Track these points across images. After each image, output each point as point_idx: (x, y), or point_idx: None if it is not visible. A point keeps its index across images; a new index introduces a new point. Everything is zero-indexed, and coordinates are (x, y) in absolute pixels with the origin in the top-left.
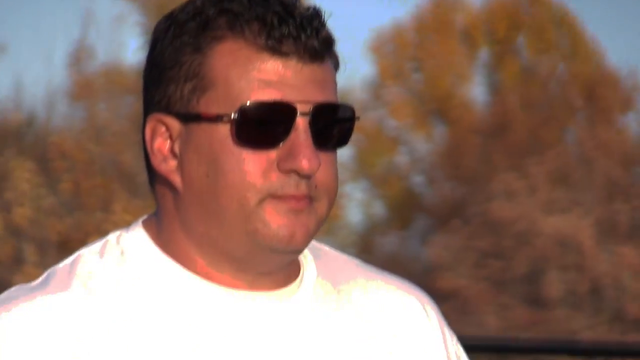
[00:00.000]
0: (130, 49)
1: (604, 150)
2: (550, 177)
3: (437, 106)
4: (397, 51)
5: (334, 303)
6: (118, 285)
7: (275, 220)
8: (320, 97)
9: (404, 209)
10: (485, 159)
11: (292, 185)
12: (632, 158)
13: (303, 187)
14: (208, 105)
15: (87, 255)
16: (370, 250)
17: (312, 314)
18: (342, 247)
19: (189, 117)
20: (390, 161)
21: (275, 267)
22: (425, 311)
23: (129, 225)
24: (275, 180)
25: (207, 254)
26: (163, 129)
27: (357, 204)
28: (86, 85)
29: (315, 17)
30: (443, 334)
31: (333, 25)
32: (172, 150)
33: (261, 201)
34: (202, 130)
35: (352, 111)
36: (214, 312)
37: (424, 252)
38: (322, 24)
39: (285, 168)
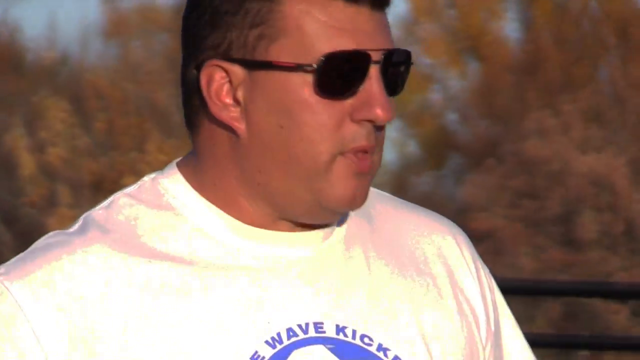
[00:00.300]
0: None
1: (637, 89)
2: (584, 115)
3: (471, 43)
4: None
5: (368, 241)
6: (159, 231)
7: (342, 184)
8: (388, 43)
9: (438, 148)
10: (519, 96)
11: (363, 136)
12: None
13: (373, 138)
14: (279, 53)
15: (124, 199)
16: (404, 190)
17: (347, 253)
18: (376, 187)
19: (257, 65)
20: (424, 99)
21: (323, 222)
22: (458, 244)
23: (163, 167)
24: (348, 131)
25: (258, 202)
26: (222, 74)
27: (390, 143)
28: (120, 22)
29: None
30: (476, 266)
31: None
32: (234, 97)
33: (333, 158)
34: (273, 78)
35: (410, 56)
36: (257, 254)
37: (458, 192)
38: None
39: (359, 118)
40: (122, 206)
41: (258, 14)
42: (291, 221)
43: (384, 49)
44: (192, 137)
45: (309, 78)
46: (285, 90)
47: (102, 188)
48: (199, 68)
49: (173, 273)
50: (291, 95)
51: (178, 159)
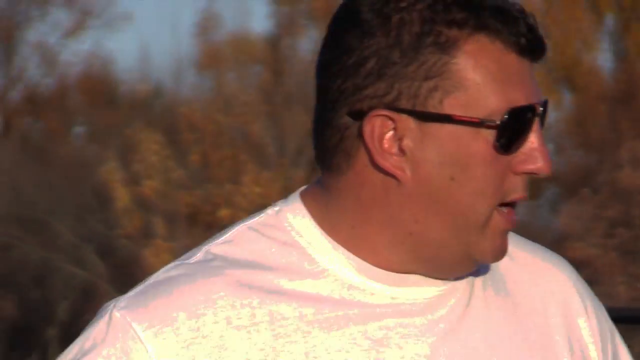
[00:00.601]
0: (258, 17)
1: None
2: None
3: (564, 73)
4: None
5: (501, 297)
6: (285, 270)
7: (496, 238)
8: (541, 94)
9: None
10: (613, 126)
11: (521, 188)
12: None
13: (527, 189)
14: (454, 107)
15: (248, 234)
16: None
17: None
18: None
19: (432, 117)
20: None
21: (463, 273)
22: (578, 293)
23: (258, 200)
24: (509, 184)
25: (399, 250)
26: (387, 123)
27: None
28: (213, 54)
29: (529, 13)
30: (597, 316)
31: None
32: (399, 147)
33: (492, 212)
34: (447, 131)
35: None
36: (390, 294)
37: (553, 222)
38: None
39: (522, 171)
40: (246, 241)
41: (433, 67)
42: (425, 270)
43: (541, 101)
44: (330, 177)
45: (488, 133)
46: (461, 143)
47: (197, 220)
48: (357, 115)
49: (297, 313)
50: (467, 149)
51: (302, 189)
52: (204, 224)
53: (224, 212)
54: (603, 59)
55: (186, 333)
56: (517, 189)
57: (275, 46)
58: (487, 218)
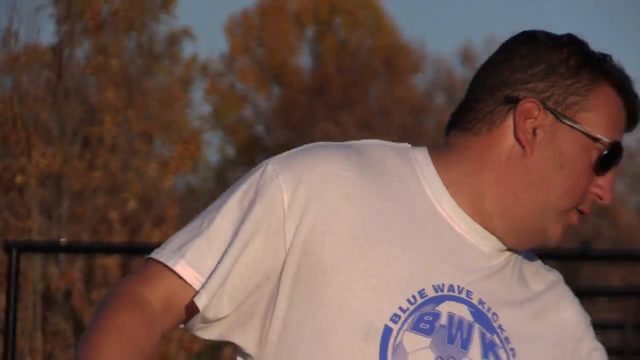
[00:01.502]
0: (46, 33)
1: (399, 105)
2: (358, 124)
3: (274, 72)
4: (245, 31)
5: (518, 265)
6: (398, 176)
7: (558, 230)
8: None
9: (250, 151)
10: (310, 111)
11: (590, 203)
12: (420, 109)
13: (591, 207)
14: (584, 120)
15: (383, 146)
16: (224, 182)
17: (507, 263)
18: (203, 180)
19: (567, 120)
20: (239, 114)
21: (524, 247)
22: (575, 306)
23: (45, 169)
24: (582, 197)
25: (492, 208)
26: (535, 112)
27: (214, 148)
28: (12, 61)
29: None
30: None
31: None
32: (533, 129)
33: (568, 210)
34: (572, 135)
35: None
36: (442, 220)
37: None
38: None
39: (595, 192)
40: (380, 149)
41: (582, 88)
42: (503, 229)
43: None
44: (463, 135)
45: (595, 151)
46: (576, 148)
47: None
48: (513, 99)
49: (395, 210)
50: (580, 153)
51: (429, 145)
52: (4, 188)
53: (19, 179)
54: (304, 61)
55: (311, 191)
56: (588, 203)
57: (58, 54)
58: (566, 211)
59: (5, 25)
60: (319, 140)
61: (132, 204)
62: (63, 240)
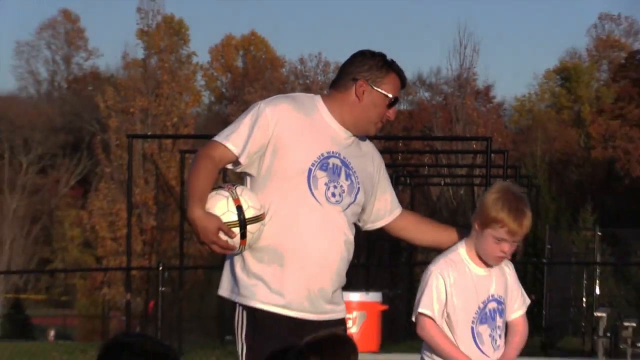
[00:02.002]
0: None
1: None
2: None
3: None
4: None
5: (356, 141)
6: (307, 108)
7: (373, 130)
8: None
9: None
10: None
11: (384, 118)
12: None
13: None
14: (383, 88)
15: (305, 95)
16: None
17: (353, 140)
18: None
19: (375, 87)
20: None
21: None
22: (376, 153)
23: None
24: (382, 116)
25: (346, 118)
26: (363, 84)
27: None
28: None
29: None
30: (381, 162)
31: None
32: (362, 92)
33: (377, 121)
34: (376, 94)
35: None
36: (326, 124)
37: None
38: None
39: (387, 114)
40: (303, 96)
41: (382, 74)
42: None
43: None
44: (336, 91)
45: (388, 99)
46: (380, 99)
47: None
48: (355, 79)
49: (309, 122)
50: (381, 101)
51: (321, 95)
52: None
53: None
54: None
55: (279, 116)
56: (384, 118)
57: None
58: (376, 122)
59: None
60: None
61: None
62: None
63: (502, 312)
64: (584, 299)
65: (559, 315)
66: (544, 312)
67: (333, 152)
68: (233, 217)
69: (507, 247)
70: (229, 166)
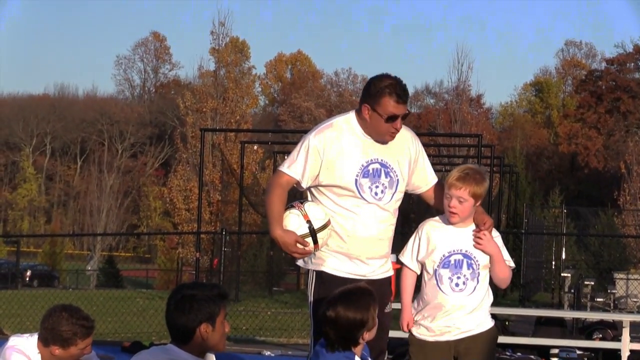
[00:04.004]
0: None
1: None
2: None
3: None
4: None
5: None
6: (347, 131)
7: (387, 139)
8: (402, 111)
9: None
10: None
11: (394, 131)
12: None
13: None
14: (378, 109)
15: (340, 116)
16: None
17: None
18: None
19: (374, 110)
20: None
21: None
22: (412, 136)
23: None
24: (390, 129)
25: (367, 132)
26: (367, 109)
27: None
28: None
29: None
30: (417, 143)
31: None
32: (367, 113)
33: (386, 133)
34: (376, 114)
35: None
36: (360, 139)
37: None
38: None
39: (392, 127)
40: (339, 119)
41: (377, 97)
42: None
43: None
44: (357, 113)
45: (383, 119)
46: (379, 117)
47: None
48: (362, 104)
49: (348, 138)
50: (380, 118)
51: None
52: None
53: None
54: None
55: (325, 144)
56: (393, 131)
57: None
58: (385, 133)
59: None
60: None
61: None
62: None
63: (470, 265)
64: (553, 263)
65: (533, 274)
66: (521, 272)
67: (372, 160)
68: (305, 229)
69: (452, 203)
70: (295, 185)
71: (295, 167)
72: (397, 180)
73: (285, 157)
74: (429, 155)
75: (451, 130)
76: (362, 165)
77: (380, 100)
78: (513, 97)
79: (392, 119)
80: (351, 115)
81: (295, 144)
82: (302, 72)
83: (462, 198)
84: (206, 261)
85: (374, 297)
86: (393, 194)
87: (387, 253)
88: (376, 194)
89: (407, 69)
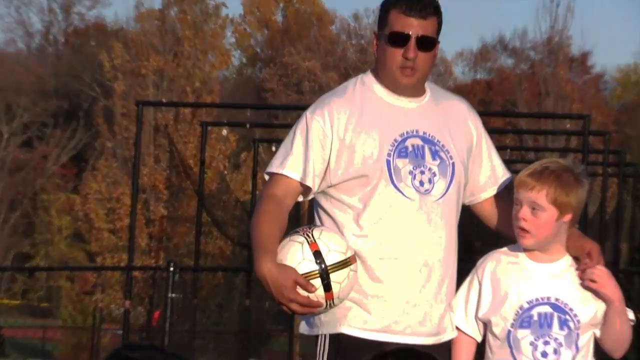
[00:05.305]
0: None
1: None
2: None
3: None
4: None
5: (434, 104)
6: (366, 92)
7: (402, 76)
8: (417, 31)
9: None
10: None
11: (407, 61)
12: None
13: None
14: (385, 30)
15: (349, 81)
16: None
17: (428, 106)
18: None
19: (380, 36)
20: None
21: (406, 92)
22: (470, 110)
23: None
24: (401, 61)
25: (389, 80)
26: (375, 38)
27: None
28: None
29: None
30: (477, 121)
31: None
32: (376, 46)
33: (399, 67)
34: (382, 44)
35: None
36: (386, 102)
37: None
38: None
39: (405, 55)
40: (347, 84)
41: (380, 19)
42: (408, 95)
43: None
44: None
45: (387, 39)
46: (384, 43)
47: None
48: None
49: (366, 106)
50: (386, 45)
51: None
52: None
53: None
54: None
55: (332, 117)
56: (406, 61)
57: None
58: (398, 67)
59: None
60: None
61: None
62: None
63: (565, 322)
64: None
65: None
66: None
67: (409, 132)
68: (311, 266)
69: (521, 212)
70: (300, 198)
71: (292, 162)
72: (452, 163)
73: (274, 148)
74: (505, 148)
75: (540, 109)
76: (395, 141)
77: (386, 19)
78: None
79: (398, 39)
80: (366, 75)
81: (289, 127)
82: (301, 13)
83: (537, 204)
84: (141, 314)
85: None
86: (449, 185)
87: (448, 292)
88: (421, 182)
89: (469, 10)
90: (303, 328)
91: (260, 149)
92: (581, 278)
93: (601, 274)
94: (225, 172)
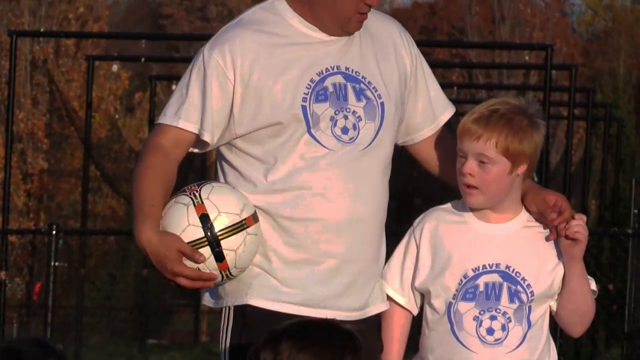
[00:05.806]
0: None
1: None
2: None
3: None
4: None
5: (367, 38)
6: (271, 23)
7: (356, 24)
8: None
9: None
10: None
11: (365, 7)
12: None
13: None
14: None
15: (256, 9)
16: None
17: (355, 43)
18: None
19: None
20: None
21: (345, 34)
22: (401, 32)
23: None
24: (356, 5)
25: (321, 16)
26: None
27: None
28: None
29: None
30: (411, 46)
31: None
32: None
33: (353, 14)
34: None
35: None
36: (301, 34)
37: None
38: None
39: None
40: (255, 11)
41: None
42: (328, 27)
43: None
44: None
45: None
46: None
47: None
48: None
49: (277, 40)
50: None
51: None
52: None
53: None
54: None
55: (232, 53)
56: (365, 7)
57: None
58: (352, 15)
59: None
60: None
61: None
62: None
63: (516, 293)
64: None
65: None
66: (627, 309)
67: (328, 69)
68: (197, 232)
69: (466, 166)
70: (195, 150)
71: (188, 111)
72: (382, 104)
73: (174, 87)
74: (452, 85)
75: (493, 38)
76: (312, 80)
77: None
78: None
79: None
80: (277, 1)
81: (190, 61)
82: None
83: (485, 156)
84: (19, 287)
85: (354, 345)
86: (378, 130)
87: (377, 259)
88: (344, 129)
89: None
90: (207, 300)
91: (158, 88)
92: (547, 239)
93: (583, 228)
94: (117, 116)
